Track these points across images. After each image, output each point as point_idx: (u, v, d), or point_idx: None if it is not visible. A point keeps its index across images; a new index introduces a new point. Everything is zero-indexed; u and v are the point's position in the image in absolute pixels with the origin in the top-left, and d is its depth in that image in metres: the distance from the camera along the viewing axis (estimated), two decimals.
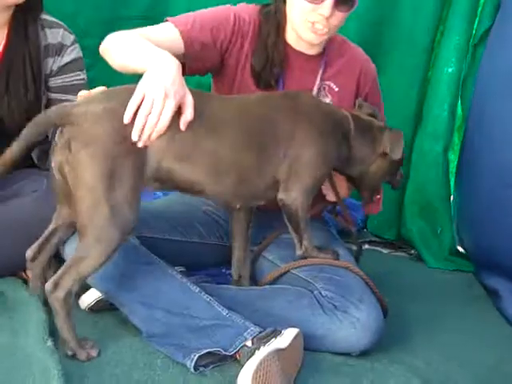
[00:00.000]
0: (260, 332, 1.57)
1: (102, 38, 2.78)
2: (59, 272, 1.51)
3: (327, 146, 1.75)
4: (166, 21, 1.86)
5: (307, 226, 1.77)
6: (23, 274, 1.89)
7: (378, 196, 2.00)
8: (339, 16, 1.81)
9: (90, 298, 1.78)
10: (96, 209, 1.48)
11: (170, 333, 1.62)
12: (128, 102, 1.49)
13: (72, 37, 2.15)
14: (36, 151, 2.10)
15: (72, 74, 2.16)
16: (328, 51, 1.97)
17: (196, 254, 1.96)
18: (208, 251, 2.00)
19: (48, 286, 1.50)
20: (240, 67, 1.91)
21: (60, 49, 2.11)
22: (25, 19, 2.03)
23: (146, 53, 1.61)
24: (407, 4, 2.83)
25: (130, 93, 1.51)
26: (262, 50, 1.89)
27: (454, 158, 2.88)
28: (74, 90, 2.08)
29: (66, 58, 2.13)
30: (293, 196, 1.71)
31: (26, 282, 1.86)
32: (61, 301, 1.50)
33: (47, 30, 2.09)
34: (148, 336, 1.64)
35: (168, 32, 1.82)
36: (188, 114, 1.53)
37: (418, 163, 2.87)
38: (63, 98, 2.13)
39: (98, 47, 2.71)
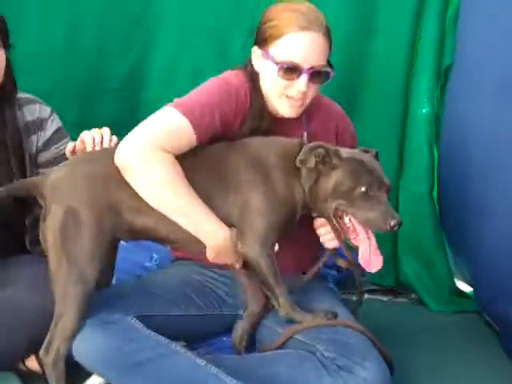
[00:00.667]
0: None
1: (79, 113, 2.85)
2: (48, 336, 1.63)
3: (274, 187, 1.74)
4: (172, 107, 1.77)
5: (278, 281, 1.74)
6: (22, 365, 1.84)
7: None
8: (314, 88, 1.85)
9: None
10: (58, 265, 1.63)
11: None
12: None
13: (49, 109, 2.15)
14: (28, 236, 2.05)
15: (59, 144, 2.15)
16: (307, 114, 1.96)
17: (196, 327, 1.91)
18: (207, 322, 1.95)
19: (41, 353, 1.63)
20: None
21: (40, 124, 2.10)
22: (0, 104, 2.01)
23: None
24: (377, 48, 2.87)
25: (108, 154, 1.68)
26: (254, 118, 1.86)
27: None
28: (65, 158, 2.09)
29: (49, 132, 2.12)
30: (249, 247, 1.72)
31: (23, 374, 1.81)
32: (50, 365, 1.62)
33: (24, 108, 2.08)
34: None
35: (183, 132, 1.73)
36: None
37: (405, 207, 2.86)
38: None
39: (75, 122, 2.77)
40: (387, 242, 2.91)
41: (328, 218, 1.78)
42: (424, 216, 2.81)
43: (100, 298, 1.71)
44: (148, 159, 1.66)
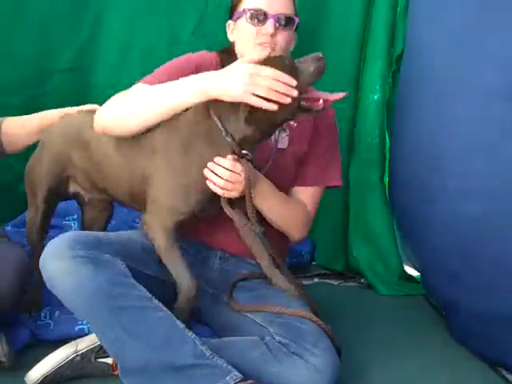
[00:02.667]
0: (243, 379, 1.55)
1: (27, 94, 2.75)
2: None
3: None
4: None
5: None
6: None
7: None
8: (283, 34, 1.93)
9: (36, 372, 1.71)
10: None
11: (148, 370, 1.58)
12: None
13: None
14: None
15: None
16: None
17: (158, 294, 1.83)
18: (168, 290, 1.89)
19: None
20: None
21: None
22: None
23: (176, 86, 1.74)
24: (329, 34, 2.88)
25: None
26: None
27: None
28: None
29: None
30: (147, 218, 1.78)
31: None
32: None
33: None
34: (123, 372, 1.61)
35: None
36: None
37: (355, 191, 2.90)
38: None
39: (24, 104, 2.68)
40: (338, 227, 2.95)
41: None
42: (375, 202, 2.84)
43: (90, 236, 1.72)
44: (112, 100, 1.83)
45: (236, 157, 1.72)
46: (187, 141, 1.75)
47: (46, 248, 1.67)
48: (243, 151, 1.72)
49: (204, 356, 1.59)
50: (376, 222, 2.84)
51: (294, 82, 1.61)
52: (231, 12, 2.03)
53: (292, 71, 1.63)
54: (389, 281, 2.76)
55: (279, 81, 1.60)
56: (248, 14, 1.91)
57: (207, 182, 1.72)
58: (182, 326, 1.64)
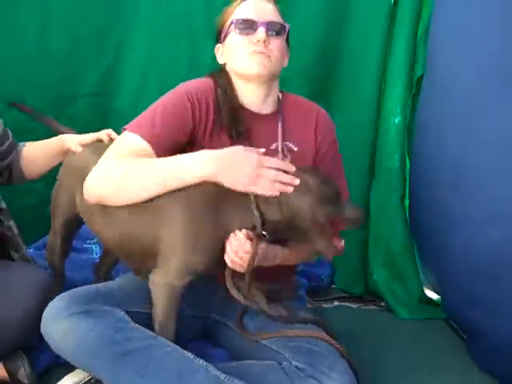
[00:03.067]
0: None
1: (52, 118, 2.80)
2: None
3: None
4: (124, 130, 1.82)
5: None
6: None
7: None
8: (276, 42, 1.90)
9: None
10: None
11: None
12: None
13: None
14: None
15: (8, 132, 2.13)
16: (282, 110, 1.98)
17: None
18: (179, 323, 1.86)
19: None
20: (208, 135, 1.88)
21: None
22: None
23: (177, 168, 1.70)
24: (349, 58, 2.91)
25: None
26: (223, 117, 1.88)
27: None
28: (7, 131, 2.13)
29: None
30: (155, 278, 1.72)
31: None
32: None
33: None
34: None
35: (137, 147, 1.77)
36: None
37: (376, 215, 2.89)
38: (6, 145, 2.10)
39: (47, 128, 2.73)
40: (358, 250, 2.94)
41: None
42: (395, 224, 2.82)
43: (87, 291, 1.73)
44: (108, 169, 1.74)
45: (250, 234, 1.67)
46: (214, 201, 1.70)
47: (44, 311, 1.67)
48: (263, 232, 1.68)
49: (219, 380, 1.60)
50: (396, 245, 2.82)
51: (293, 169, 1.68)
52: (218, 36, 1.99)
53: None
54: (409, 304, 2.73)
55: (282, 170, 1.66)
56: (237, 25, 1.88)
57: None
58: (190, 355, 1.65)
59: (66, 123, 2.77)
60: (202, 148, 1.77)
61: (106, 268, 2.32)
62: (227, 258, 1.69)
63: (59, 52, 2.78)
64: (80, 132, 2.41)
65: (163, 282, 1.71)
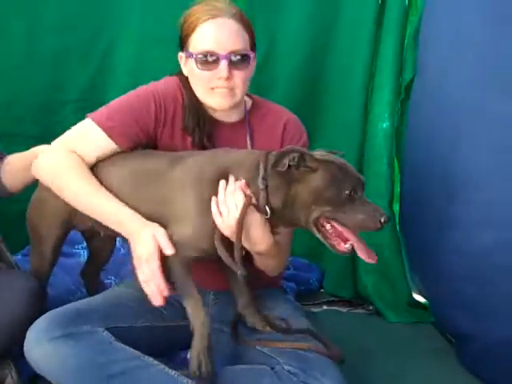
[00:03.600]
0: None
1: (39, 124, 2.81)
2: None
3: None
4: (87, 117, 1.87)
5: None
6: None
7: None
8: (239, 74, 1.82)
9: None
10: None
11: None
12: None
13: None
14: None
15: None
16: (250, 118, 1.96)
17: (161, 339, 1.87)
18: (172, 333, 1.92)
19: None
20: (171, 137, 1.90)
21: None
22: None
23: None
24: (337, 62, 2.92)
25: None
26: (191, 109, 1.88)
27: (397, 209, 2.92)
28: None
29: None
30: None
31: None
32: None
33: None
34: None
35: (95, 139, 1.83)
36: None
37: None
38: None
39: (35, 133, 2.73)
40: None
41: (306, 227, 1.69)
42: (384, 229, 2.82)
43: (68, 311, 1.70)
44: (47, 160, 1.84)
45: (244, 186, 1.67)
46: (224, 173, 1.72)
47: (27, 335, 1.64)
48: (264, 202, 1.66)
49: None
50: (384, 249, 2.83)
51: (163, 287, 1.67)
52: (180, 41, 1.90)
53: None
54: (397, 308, 2.75)
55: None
56: (198, 61, 1.79)
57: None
58: (175, 374, 1.64)
59: (55, 129, 2.78)
60: (164, 148, 1.86)
61: (92, 273, 2.30)
62: (214, 206, 1.67)
63: (47, 59, 2.79)
64: None
65: (179, 257, 1.70)
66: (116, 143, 1.84)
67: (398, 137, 2.84)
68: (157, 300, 1.68)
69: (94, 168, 1.84)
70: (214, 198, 1.68)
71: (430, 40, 2.54)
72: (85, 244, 2.68)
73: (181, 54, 1.90)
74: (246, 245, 1.70)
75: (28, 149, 2.34)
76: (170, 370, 1.65)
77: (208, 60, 1.78)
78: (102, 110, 1.88)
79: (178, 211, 1.73)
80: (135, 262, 1.71)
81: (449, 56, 2.31)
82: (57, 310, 1.71)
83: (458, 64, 2.22)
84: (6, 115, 2.42)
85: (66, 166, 1.80)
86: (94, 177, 1.80)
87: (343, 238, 1.67)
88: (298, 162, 1.63)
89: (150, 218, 1.75)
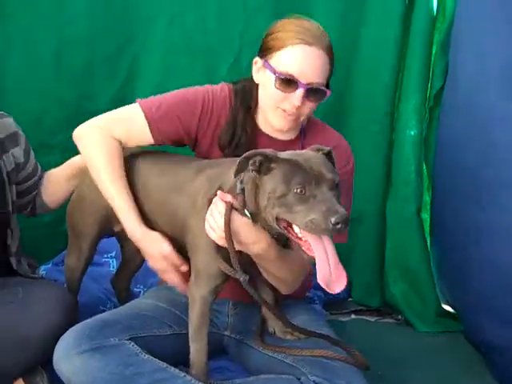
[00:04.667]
0: None
1: (70, 134, 2.85)
2: None
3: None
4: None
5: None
6: None
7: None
8: (310, 105, 1.82)
9: None
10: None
11: None
12: None
13: (11, 119, 2.09)
14: (14, 258, 2.05)
15: (31, 153, 2.15)
16: (304, 136, 1.95)
17: (186, 348, 1.81)
18: None
19: None
20: (208, 144, 1.93)
21: (14, 137, 2.06)
22: None
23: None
24: (364, 70, 2.91)
25: None
26: (230, 125, 1.89)
27: (427, 217, 2.91)
28: (37, 164, 2.16)
29: (23, 144, 2.09)
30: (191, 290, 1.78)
31: None
32: None
33: None
34: None
35: (137, 124, 1.89)
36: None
37: (392, 226, 2.89)
38: (36, 178, 2.14)
39: (66, 145, 2.77)
40: (374, 263, 2.94)
41: (281, 234, 1.60)
42: (412, 237, 2.82)
43: (94, 324, 1.72)
44: (85, 134, 1.94)
45: (227, 195, 1.63)
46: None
47: (56, 348, 1.67)
48: (242, 205, 1.62)
49: None
50: (413, 258, 2.82)
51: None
52: (261, 48, 1.86)
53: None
54: (426, 317, 2.73)
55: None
56: (278, 80, 1.77)
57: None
58: None
59: None
60: (201, 155, 1.92)
61: (123, 281, 2.34)
62: (206, 223, 1.66)
63: (76, 71, 2.82)
64: None
65: (198, 295, 1.73)
66: (153, 136, 1.88)
67: (427, 144, 2.83)
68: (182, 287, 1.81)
69: (129, 160, 1.92)
70: (206, 217, 1.67)
71: (460, 49, 2.53)
72: (114, 253, 2.73)
73: (257, 60, 1.87)
74: (242, 248, 1.65)
75: (62, 160, 2.40)
76: (196, 382, 1.66)
77: (288, 83, 1.77)
78: (152, 99, 1.92)
79: (193, 237, 1.76)
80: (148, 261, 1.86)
81: (479, 65, 2.30)
82: (83, 322, 1.73)
83: (488, 73, 2.21)
84: (39, 128, 2.45)
85: (99, 151, 1.88)
86: (120, 168, 1.88)
87: (308, 247, 1.52)
88: (259, 166, 1.56)
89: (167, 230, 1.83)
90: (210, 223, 1.64)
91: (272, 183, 1.54)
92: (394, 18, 2.81)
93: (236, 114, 1.90)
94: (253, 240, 1.64)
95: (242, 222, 1.63)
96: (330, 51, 1.81)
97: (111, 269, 2.71)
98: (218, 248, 1.65)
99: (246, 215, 1.63)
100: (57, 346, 1.67)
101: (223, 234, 1.60)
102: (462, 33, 2.52)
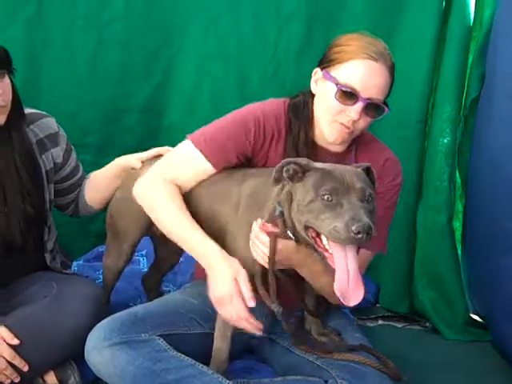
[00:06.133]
0: None
1: (103, 134, 2.92)
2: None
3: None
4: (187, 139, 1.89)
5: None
6: (41, 380, 1.86)
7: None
8: (367, 120, 1.80)
9: None
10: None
11: None
12: None
13: (53, 119, 2.13)
14: (49, 255, 2.10)
15: (73, 154, 2.18)
16: (356, 149, 1.93)
17: None
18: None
19: None
20: (271, 164, 1.87)
21: (55, 138, 2.10)
22: (8, 127, 1.93)
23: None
24: (397, 76, 2.90)
25: None
26: (292, 149, 1.86)
27: (458, 225, 2.90)
28: (79, 165, 2.19)
29: (63, 144, 2.13)
30: None
31: None
32: None
33: (32, 126, 2.05)
34: None
35: (196, 165, 1.86)
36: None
37: (423, 235, 2.87)
38: (76, 178, 2.18)
39: (100, 144, 2.83)
40: (403, 269, 2.93)
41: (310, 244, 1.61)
42: (442, 245, 2.81)
43: (125, 318, 1.74)
44: (147, 189, 1.86)
45: (267, 225, 1.66)
46: (262, 202, 1.74)
47: (87, 340, 1.70)
48: (283, 230, 1.63)
49: None
50: (442, 266, 2.80)
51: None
52: (323, 59, 1.85)
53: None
54: (454, 326, 2.71)
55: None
56: (339, 92, 1.75)
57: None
58: (228, 382, 1.67)
59: (119, 136, 2.89)
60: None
61: (154, 281, 2.37)
62: (253, 251, 1.69)
63: (112, 71, 2.88)
64: (133, 145, 2.46)
65: None
66: (214, 167, 1.85)
67: (461, 153, 2.81)
68: (255, 330, 1.70)
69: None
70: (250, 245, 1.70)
71: (497, 57, 2.51)
72: (145, 252, 2.76)
73: (317, 70, 1.86)
74: (298, 270, 1.71)
75: (95, 159, 2.44)
76: (223, 379, 1.67)
77: (348, 95, 1.75)
78: (202, 131, 1.88)
79: (230, 241, 1.77)
80: (215, 301, 1.71)
81: None
82: (115, 315, 1.76)
83: None
84: (72, 126, 2.49)
85: (164, 202, 1.82)
86: (185, 209, 1.81)
87: (332, 260, 1.51)
88: (292, 175, 1.59)
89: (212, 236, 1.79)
90: (257, 252, 1.67)
91: (302, 190, 1.55)
92: (430, 25, 2.81)
93: (296, 131, 1.88)
94: (302, 262, 1.69)
95: (289, 248, 1.65)
96: (392, 71, 1.81)
97: (141, 267, 2.74)
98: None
99: (289, 237, 1.64)
100: (89, 337, 1.70)
101: (254, 249, 1.67)
102: (500, 41, 2.50)
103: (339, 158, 1.88)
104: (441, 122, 2.81)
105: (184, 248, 1.82)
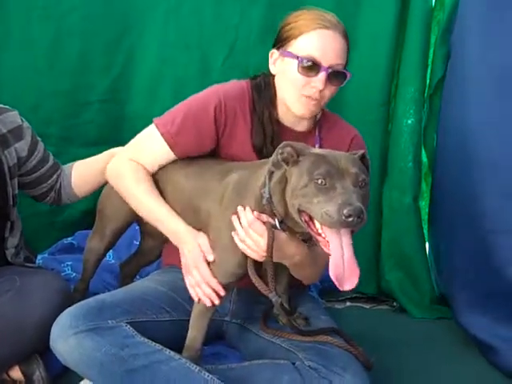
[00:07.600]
0: None
1: (65, 124, 2.88)
2: None
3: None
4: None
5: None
6: (6, 375, 1.84)
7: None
8: (332, 88, 1.84)
9: None
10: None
11: None
12: None
13: (16, 112, 2.08)
14: (10, 251, 2.06)
15: (39, 145, 2.14)
16: (320, 128, 1.96)
17: (184, 333, 1.83)
18: None
19: None
20: (238, 143, 1.91)
21: (19, 131, 2.05)
22: None
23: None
24: (359, 59, 2.91)
25: None
26: (259, 126, 1.89)
27: (424, 205, 2.93)
28: (48, 155, 2.15)
29: (28, 137, 2.08)
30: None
31: None
32: None
33: None
34: None
35: (157, 149, 1.91)
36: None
37: (388, 215, 2.90)
38: (45, 169, 2.14)
39: (62, 134, 2.79)
40: (370, 250, 2.96)
41: (299, 232, 1.65)
42: (408, 225, 2.83)
43: (91, 305, 1.73)
44: (116, 169, 1.95)
45: (262, 216, 1.66)
46: (246, 194, 1.73)
47: (52, 327, 1.68)
48: (274, 221, 1.64)
49: None
50: (409, 246, 2.83)
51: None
52: (277, 39, 1.88)
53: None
54: (421, 304, 2.75)
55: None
56: (300, 64, 1.77)
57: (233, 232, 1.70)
58: (196, 368, 1.67)
59: (79, 130, 2.86)
60: (224, 156, 1.91)
61: (130, 269, 2.39)
62: (238, 241, 1.68)
63: (72, 61, 2.84)
64: (96, 135, 2.43)
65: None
66: (174, 152, 1.90)
67: (427, 133, 2.83)
68: (208, 301, 1.75)
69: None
70: (234, 235, 1.69)
71: (461, 38, 2.52)
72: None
73: (274, 51, 1.89)
74: (280, 260, 1.71)
75: (57, 149, 2.40)
76: (191, 365, 1.68)
77: (310, 66, 1.77)
78: (167, 114, 1.92)
79: (215, 236, 1.77)
80: (184, 269, 1.81)
81: (480, 54, 2.31)
82: (81, 303, 1.75)
83: (490, 62, 2.22)
84: (34, 117, 2.45)
85: (129, 180, 1.90)
86: (152, 187, 1.90)
87: (325, 244, 1.50)
88: (286, 158, 1.58)
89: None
90: (249, 245, 1.66)
91: (297, 173, 1.55)
92: (391, 7, 2.82)
93: (261, 112, 1.90)
94: (292, 253, 1.70)
95: (282, 240, 1.67)
96: (346, 36, 1.84)
97: (108, 259, 2.72)
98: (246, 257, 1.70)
99: (275, 227, 1.64)
100: (54, 325, 1.68)
101: (261, 253, 1.64)
102: (462, 23, 2.52)
103: (304, 137, 1.90)
104: (404, 104, 2.82)
105: (154, 225, 1.89)
